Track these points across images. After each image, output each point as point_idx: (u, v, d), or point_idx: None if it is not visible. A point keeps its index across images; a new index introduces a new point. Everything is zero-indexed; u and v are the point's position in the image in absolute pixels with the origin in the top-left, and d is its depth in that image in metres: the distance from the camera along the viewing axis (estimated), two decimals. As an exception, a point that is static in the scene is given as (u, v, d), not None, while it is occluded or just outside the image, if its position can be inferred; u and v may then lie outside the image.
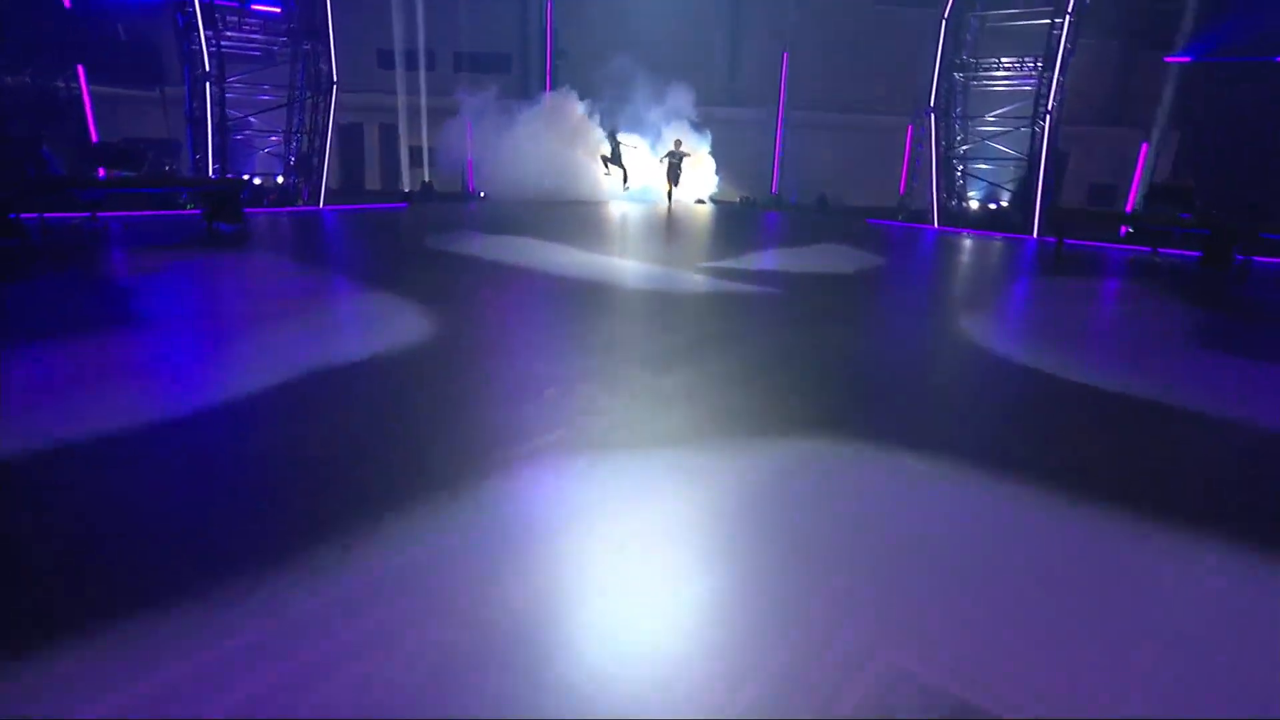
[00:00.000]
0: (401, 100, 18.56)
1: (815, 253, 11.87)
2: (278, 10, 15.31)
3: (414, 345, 5.56)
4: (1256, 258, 11.42)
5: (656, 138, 19.11)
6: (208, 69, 14.25)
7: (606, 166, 17.23)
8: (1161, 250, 13.30)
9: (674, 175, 17.59)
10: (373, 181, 19.77)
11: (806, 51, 19.97)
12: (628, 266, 9.57)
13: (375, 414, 4.17)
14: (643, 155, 18.82)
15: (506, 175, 17.73)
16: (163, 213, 13.63)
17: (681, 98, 18.87)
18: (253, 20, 14.96)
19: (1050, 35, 14.81)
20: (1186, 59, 17.46)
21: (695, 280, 8.82)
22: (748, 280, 8.89)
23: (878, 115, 19.93)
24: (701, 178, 19.91)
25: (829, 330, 6.78)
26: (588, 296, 7.75)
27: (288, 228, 13.03)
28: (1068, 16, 14.33)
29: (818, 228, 15.67)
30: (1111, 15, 16.47)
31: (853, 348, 6.33)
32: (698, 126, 18.96)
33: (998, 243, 14.75)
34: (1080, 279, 10.75)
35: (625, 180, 17.08)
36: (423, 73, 18.68)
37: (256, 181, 16.04)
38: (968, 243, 14.60)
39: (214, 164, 14.67)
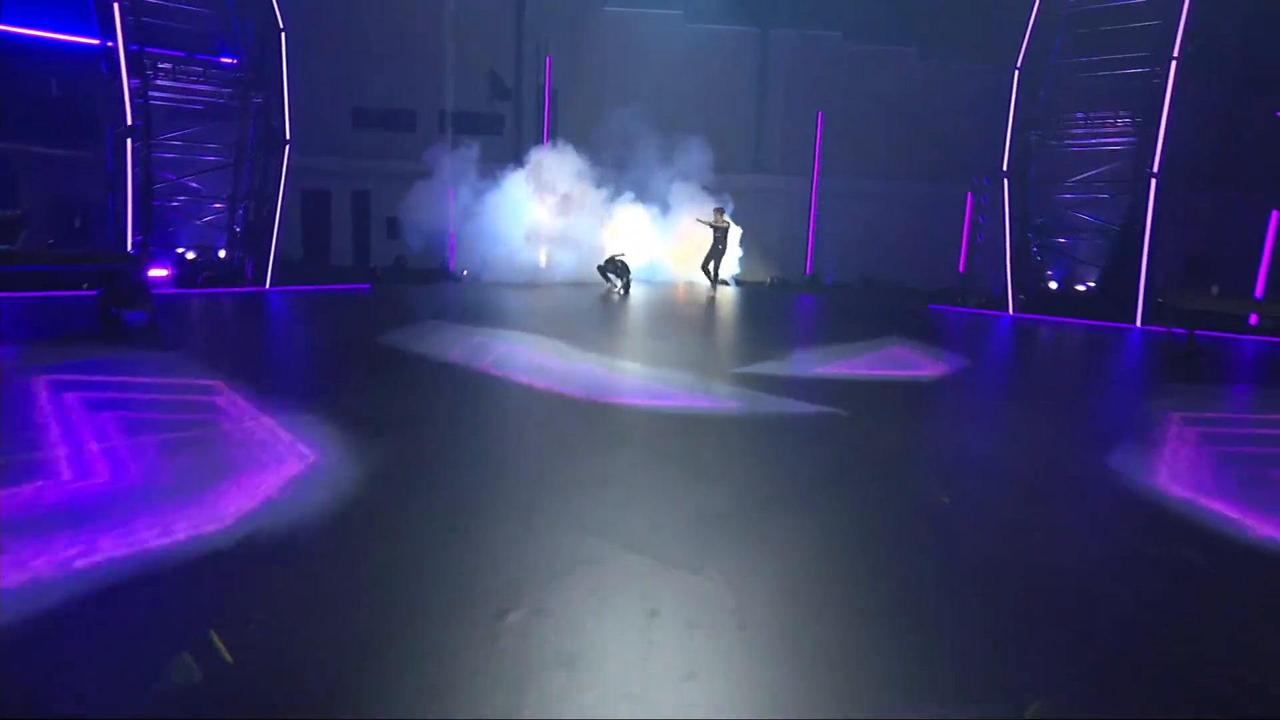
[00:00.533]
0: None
1: (875, 352, 9.23)
2: (231, 60, 13.24)
3: (313, 515, 3.53)
4: None
5: (664, 209, 16.84)
6: (129, 122, 12.03)
7: (606, 278, 14.60)
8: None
9: (717, 252, 15.14)
10: (342, 256, 17.43)
11: (844, 112, 17.97)
12: (640, 374, 7.27)
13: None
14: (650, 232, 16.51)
15: (493, 251, 15.31)
16: (61, 294, 11.13)
17: (695, 157, 16.44)
18: (193, 69, 12.84)
19: (1150, 86, 12.39)
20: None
21: (730, 395, 6.48)
22: (800, 394, 6.54)
23: (928, 183, 17.85)
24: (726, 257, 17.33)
25: (931, 482, 4.55)
26: (584, 422, 5.54)
27: (214, 316, 10.67)
28: (1173, 62, 11.90)
29: (869, 317, 13.22)
30: (1213, 61, 14.04)
31: (983, 519, 4.03)
32: (715, 194, 16.36)
33: (1097, 335, 12.00)
34: (1248, 388, 7.93)
35: (625, 290, 14.29)
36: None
37: (190, 256, 13.68)
38: (1061, 335, 11.89)
39: (134, 234, 12.32)
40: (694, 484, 4.20)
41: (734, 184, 17.00)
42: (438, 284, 15.29)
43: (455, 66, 16.91)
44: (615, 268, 14.28)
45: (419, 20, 16.99)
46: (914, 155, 17.86)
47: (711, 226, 14.80)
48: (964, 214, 16.43)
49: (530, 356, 7.86)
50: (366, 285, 14.14)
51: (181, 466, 4.07)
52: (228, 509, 3.49)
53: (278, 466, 4.13)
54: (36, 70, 14.70)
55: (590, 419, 5.60)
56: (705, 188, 16.74)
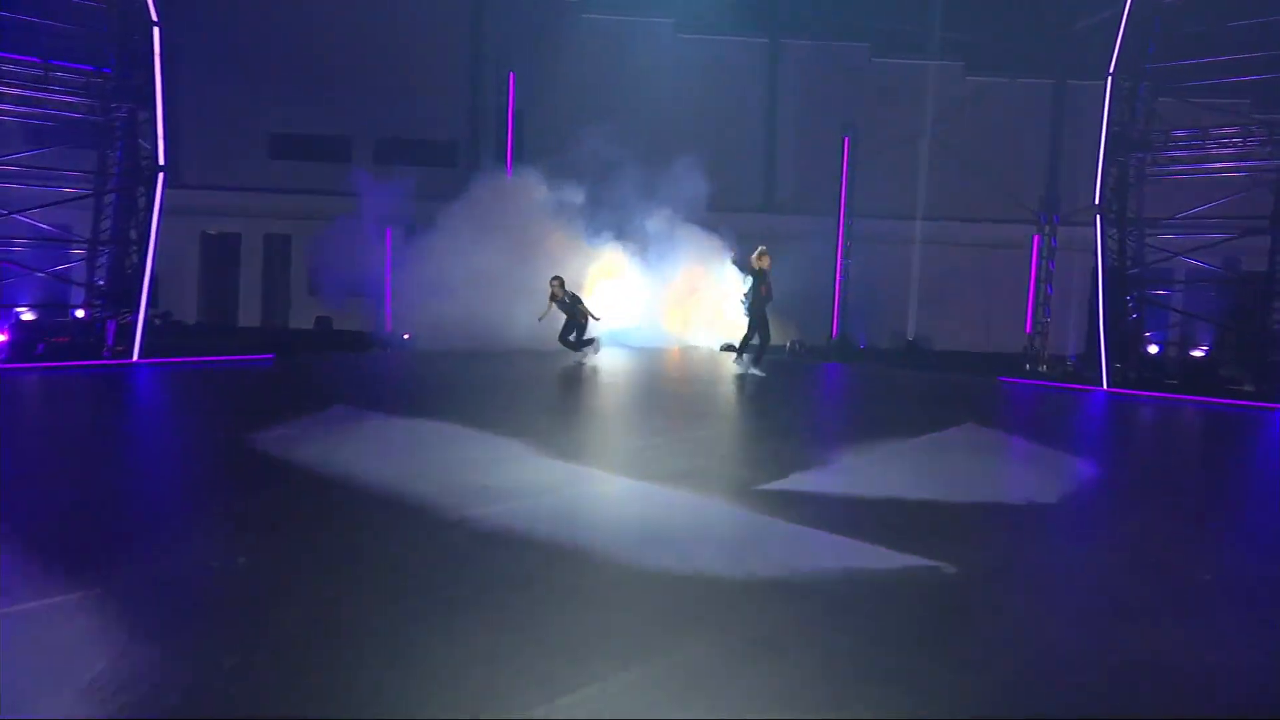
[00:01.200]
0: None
1: (950, 450, 6.99)
2: (90, 68, 10.52)
3: None
4: None
5: (653, 253, 14.29)
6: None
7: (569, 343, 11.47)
8: None
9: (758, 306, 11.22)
10: (252, 316, 14.63)
11: (874, 138, 15.56)
12: (625, 491, 5.39)
13: None
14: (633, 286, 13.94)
15: (439, 309, 12.37)
16: None
17: (689, 187, 13.86)
18: (15, 70, 9.98)
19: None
20: None
21: (756, 530, 4.54)
22: (862, 526, 4.56)
23: (983, 223, 15.82)
24: (723, 314, 14.96)
25: None
26: (545, 590, 3.54)
27: (24, 406, 7.74)
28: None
29: (925, 394, 10.79)
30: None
31: None
32: (724, 237, 13.91)
33: (1230, 418, 9.56)
34: None
35: (577, 338, 11.14)
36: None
37: (28, 317, 10.71)
38: (1193, 421, 9.45)
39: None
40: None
41: (740, 226, 14.34)
42: (368, 353, 12.49)
43: (400, 86, 14.42)
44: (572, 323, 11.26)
45: (353, 32, 14.61)
46: (963, 189, 15.85)
47: (753, 273, 11.31)
48: (1029, 260, 13.79)
49: (470, 465, 5.64)
50: (268, 356, 11.12)
51: None
52: None
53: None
54: None
55: (552, 584, 3.58)
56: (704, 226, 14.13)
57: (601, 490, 5.27)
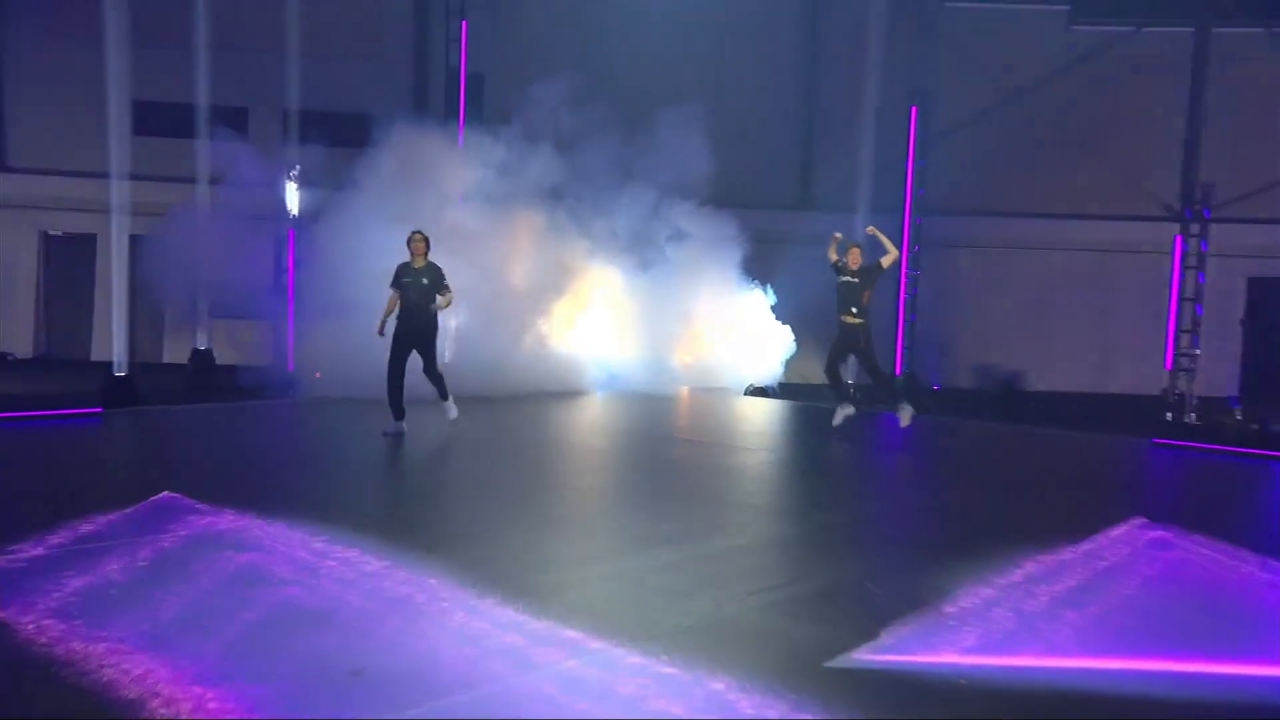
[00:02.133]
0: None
1: (1123, 579, 4.69)
2: None
3: None
4: None
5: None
6: None
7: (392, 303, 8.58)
8: None
9: (854, 338, 8.80)
10: (108, 345, 12.22)
11: (949, 108, 13.59)
12: (601, 681, 3.10)
13: None
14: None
15: (351, 336, 9.73)
16: None
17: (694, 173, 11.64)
18: None
19: None
20: None
21: None
22: None
23: (1098, 221, 13.99)
24: (760, 346, 13.10)
25: None
26: None
27: None
28: None
29: (1047, 465, 8.58)
30: None
31: None
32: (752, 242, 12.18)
33: None
34: None
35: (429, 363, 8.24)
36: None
37: None
38: None
39: None
40: None
41: (769, 228, 12.76)
42: (255, 401, 10.02)
43: (320, 41, 12.08)
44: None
45: None
46: (1072, 176, 14.02)
47: (842, 271, 8.52)
48: (1167, 269, 11.58)
49: (325, 634, 3.45)
50: (96, 410, 8.33)
51: None
52: None
53: None
54: None
55: None
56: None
57: (562, 677, 3.17)
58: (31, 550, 4.28)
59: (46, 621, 3.35)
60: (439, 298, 7.49)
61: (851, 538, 5.55)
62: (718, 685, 2.97)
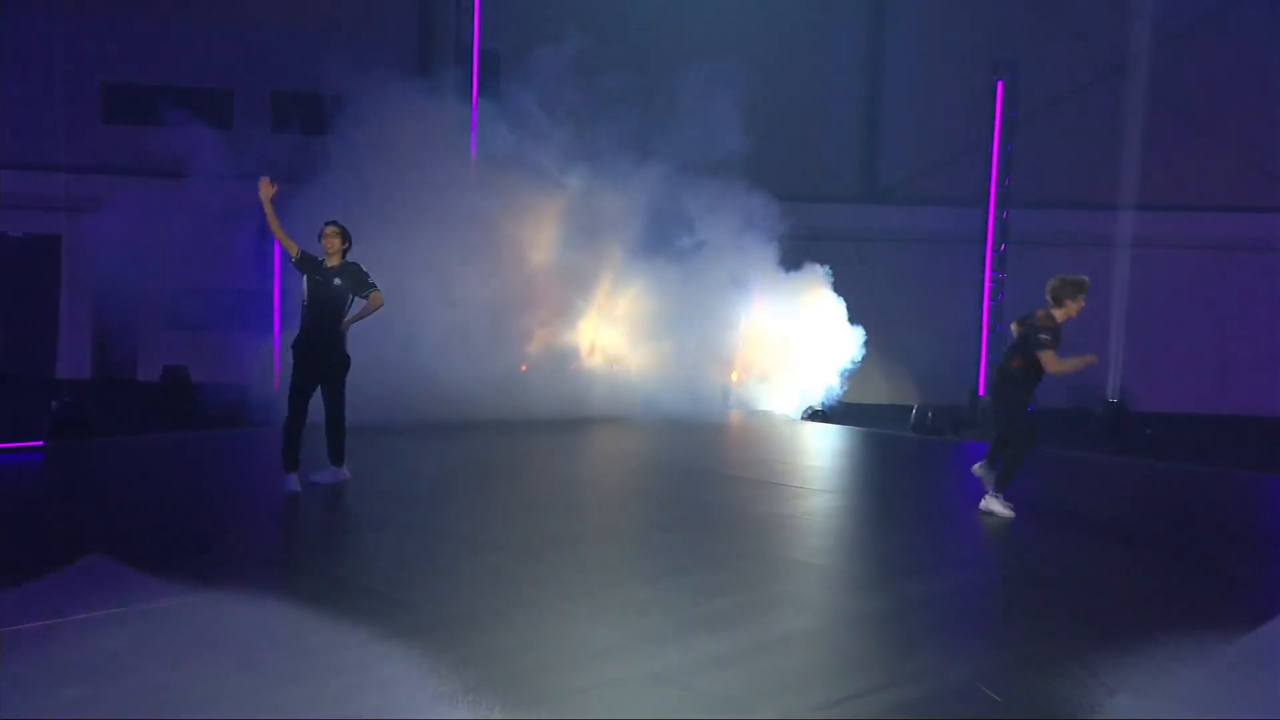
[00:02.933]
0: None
1: None
2: None
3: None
4: None
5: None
6: None
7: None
8: None
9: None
10: (78, 360, 12.26)
11: (1044, 83, 12.93)
12: None
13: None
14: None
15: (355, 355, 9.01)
16: None
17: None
18: None
19: None
20: None
21: None
22: None
23: (1218, 213, 13.55)
24: (813, 361, 12.30)
25: None
26: None
27: None
28: None
29: (1177, 513, 7.50)
30: None
31: None
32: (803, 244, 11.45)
33: None
34: None
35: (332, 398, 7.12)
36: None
37: None
38: None
39: None
40: None
41: (829, 223, 12.42)
42: (228, 428, 9.23)
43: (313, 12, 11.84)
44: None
45: None
46: (1184, 162, 13.46)
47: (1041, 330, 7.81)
48: None
49: None
50: (37, 443, 7.59)
51: None
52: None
53: None
54: None
55: None
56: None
57: None
58: None
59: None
60: (359, 302, 6.33)
61: (952, 617, 4.53)
62: None
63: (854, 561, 5.74)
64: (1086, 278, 6.57)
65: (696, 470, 8.21)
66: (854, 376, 12.36)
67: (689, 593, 4.51)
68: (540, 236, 10.60)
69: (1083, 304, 6.53)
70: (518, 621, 3.89)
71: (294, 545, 5.62)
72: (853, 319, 12.12)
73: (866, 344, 12.30)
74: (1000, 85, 11.72)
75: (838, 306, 12.20)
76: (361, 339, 7.13)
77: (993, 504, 6.19)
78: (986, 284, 11.86)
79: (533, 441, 9.16)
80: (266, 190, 6.37)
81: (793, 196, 11.93)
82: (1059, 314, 6.38)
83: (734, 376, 12.21)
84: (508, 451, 8.58)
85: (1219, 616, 4.38)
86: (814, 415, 11.83)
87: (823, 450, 10.01)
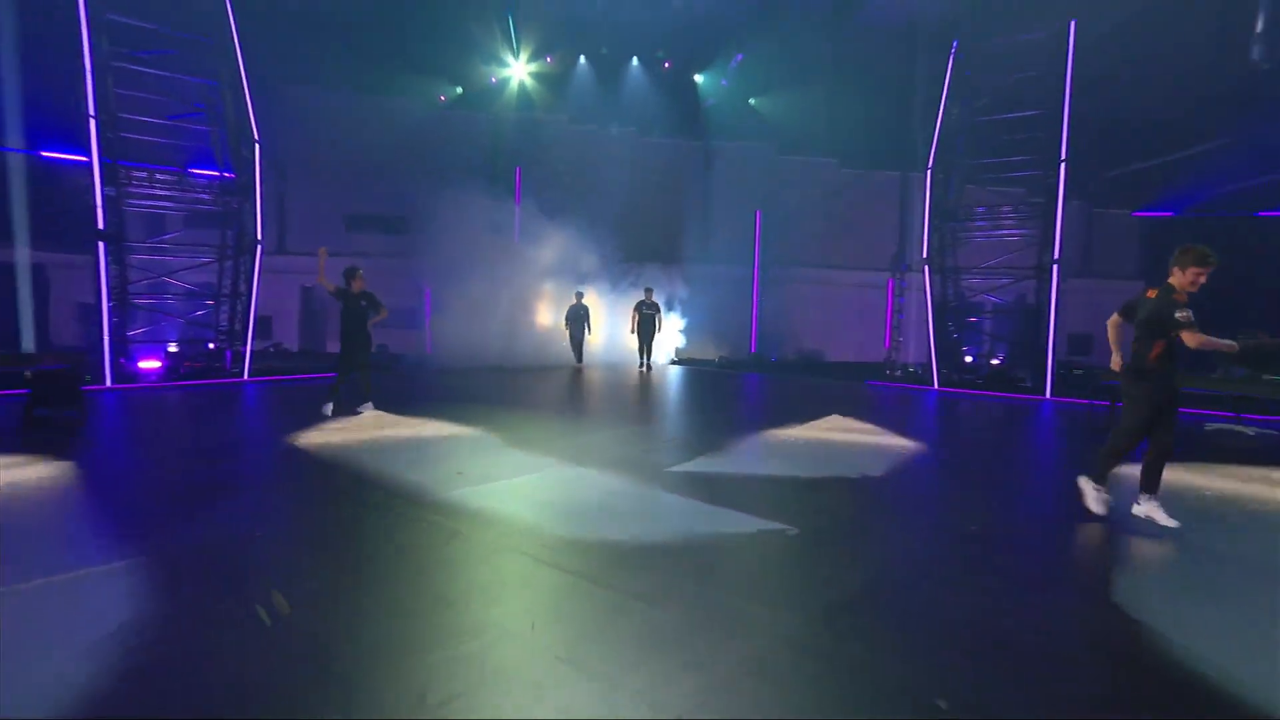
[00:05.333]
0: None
1: (821, 436, 8.58)
2: (215, 173, 14.05)
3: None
4: None
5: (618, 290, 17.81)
6: (101, 226, 12.53)
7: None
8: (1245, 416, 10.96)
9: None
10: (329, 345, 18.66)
11: (778, 210, 19.45)
12: (563, 475, 6.21)
13: None
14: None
15: (462, 336, 16.12)
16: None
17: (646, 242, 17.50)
18: (164, 177, 13.49)
19: (1039, 187, 14.32)
20: (1166, 214, 17.32)
21: (661, 504, 5.45)
22: (740, 498, 5.64)
23: (854, 271, 19.41)
24: (671, 334, 18.42)
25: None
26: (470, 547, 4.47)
27: (159, 409, 9.96)
28: (1061, 164, 13.75)
29: (811, 394, 13.34)
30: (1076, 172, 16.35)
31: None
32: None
33: (1017, 408, 12.45)
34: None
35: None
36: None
37: (174, 349, 14.13)
38: (989, 410, 12.18)
39: (109, 331, 12.67)
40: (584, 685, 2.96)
41: (686, 271, 18.40)
42: (408, 367, 15.53)
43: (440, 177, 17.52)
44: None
45: (405, 140, 17.99)
46: (840, 246, 19.27)
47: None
48: (886, 297, 17.89)
49: (453, 443, 7.57)
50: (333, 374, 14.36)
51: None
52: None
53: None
54: (61, 187, 15.24)
55: (475, 555, 4.27)
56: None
57: (549, 469, 6.26)
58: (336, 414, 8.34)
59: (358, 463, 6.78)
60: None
61: (703, 424, 9.49)
62: (619, 480, 4.95)
63: (676, 411, 11.16)
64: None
65: (611, 386, 14.12)
66: (691, 343, 18.51)
67: (595, 444, 9.12)
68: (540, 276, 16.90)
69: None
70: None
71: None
72: (694, 319, 18.41)
73: (698, 329, 18.33)
74: (758, 213, 19.09)
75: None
76: (458, 328, 14.25)
77: (1153, 511, 5.08)
78: (754, 298, 18.34)
79: (531, 375, 14.28)
80: (323, 254, 9.05)
81: (669, 260, 18.35)
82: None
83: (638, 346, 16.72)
84: (523, 380, 14.09)
85: (782, 426, 9.50)
86: (673, 362, 17.85)
87: (672, 377, 15.25)
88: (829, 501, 5.67)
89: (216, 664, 3.03)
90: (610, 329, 17.72)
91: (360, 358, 9.07)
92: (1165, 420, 5.07)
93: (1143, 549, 4.83)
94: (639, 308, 15.79)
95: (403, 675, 2.95)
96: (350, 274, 8.94)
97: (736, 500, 5.52)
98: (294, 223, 18.36)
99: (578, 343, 15.80)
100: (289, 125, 14.41)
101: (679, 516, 5.11)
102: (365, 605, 3.56)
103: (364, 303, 8.85)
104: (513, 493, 5.59)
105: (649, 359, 15.73)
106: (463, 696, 2.82)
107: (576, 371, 15.47)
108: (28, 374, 8.82)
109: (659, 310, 15.64)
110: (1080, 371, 14.21)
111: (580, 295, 16.12)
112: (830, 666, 3.11)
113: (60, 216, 14.65)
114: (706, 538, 4.61)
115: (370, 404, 9.27)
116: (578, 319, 15.83)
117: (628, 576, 3.94)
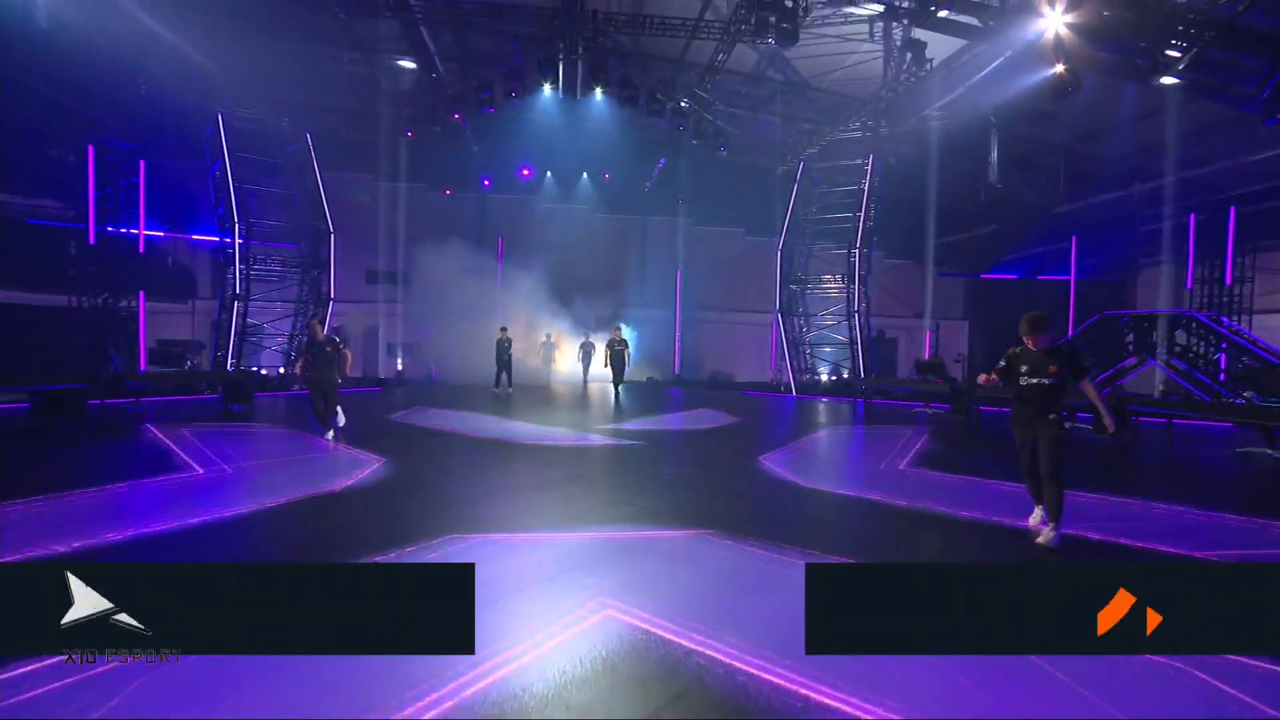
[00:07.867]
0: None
1: (690, 416, 13.32)
2: (293, 246, 19.03)
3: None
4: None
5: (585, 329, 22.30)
6: (237, 291, 17.54)
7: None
8: (933, 405, 16.24)
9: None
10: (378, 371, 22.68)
11: (696, 268, 23.99)
12: (546, 433, 10.91)
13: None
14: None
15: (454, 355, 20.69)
16: (188, 397, 15.84)
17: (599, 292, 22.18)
18: (275, 254, 18.55)
19: (848, 261, 19.34)
20: (964, 275, 22.43)
21: (590, 438, 10.18)
22: (627, 436, 10.37)
23: (752, 313, 23.80)
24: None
25: (664, 467, 8.20)
26: (504, 451, 9.06)
27: (279, 406, 14.49)
28: (857, 251, 18.81)
29: (702, 399, 17.58)
30: (906, 244, 21.37)
31: (683, 477, 7.74)
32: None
33: (835, 405, 17.19)
34: (879, 426, 13.09)
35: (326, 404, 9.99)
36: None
37: (263, 372, 18.98)
38: (817, 406, 16.97)
39: (232, 360, 17.56)
40: (538, 473, 8.15)
41: (630, 315, 22.89)
42: (420, 386, 20.40)
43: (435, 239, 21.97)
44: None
45: (411, 220, 22.61)
46: (742, 295, 23.87)
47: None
48: (772, 334, 22.70)
49: (472, 420, 12.45)
50: (377, 388, 19.41)
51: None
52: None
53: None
54: (162, 251, 20.25)
55: (508, 450, 9.05)
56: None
57: (540, 431, 10.99)
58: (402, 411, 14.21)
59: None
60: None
61: (633, 410, 15.05)
62: (580, 435, 12.11)
63: (612, 407, 16.11)
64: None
65: (577, 394, 19.93)
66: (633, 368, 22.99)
67: (563, 419, 16.18)
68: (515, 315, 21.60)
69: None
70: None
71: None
72: (636, 351, 22.68)
73: (640, 356, 22.28)
74: (679, 271, 24.35)
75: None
76: (466, 347, 18.97)
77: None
78: (677, 333, 22.93)
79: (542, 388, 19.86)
80: (316, 328, 9.79)
81: (619, 304, 22.93)
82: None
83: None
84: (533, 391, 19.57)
85: (673, 412, 15.51)
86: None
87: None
88: (667, 438, 10.66)
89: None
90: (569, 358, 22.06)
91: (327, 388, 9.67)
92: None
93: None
94: (610, 344, 16.71)
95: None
96: (315, 327, 9.80)
97: (625, 437, 10.37)
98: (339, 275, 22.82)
99: (616, 369, 16.56)
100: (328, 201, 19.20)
101: (594, 441, 10.07)
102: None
103: (329, 349, 9.41)
104: (523, 432, 10.76)
105: (619, 383, 17.28)
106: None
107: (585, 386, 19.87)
108: (207, 389, 13.81)
109: (627, 346, 16.61)
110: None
111: (619, 329, 17.20)
112: (632, 477, 7.23)
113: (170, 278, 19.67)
114: (604, 447, 9.62)
115: (340, 417, 9.95)
116: (617, 352, 16.66)
117: (563, 456, 8.95)
